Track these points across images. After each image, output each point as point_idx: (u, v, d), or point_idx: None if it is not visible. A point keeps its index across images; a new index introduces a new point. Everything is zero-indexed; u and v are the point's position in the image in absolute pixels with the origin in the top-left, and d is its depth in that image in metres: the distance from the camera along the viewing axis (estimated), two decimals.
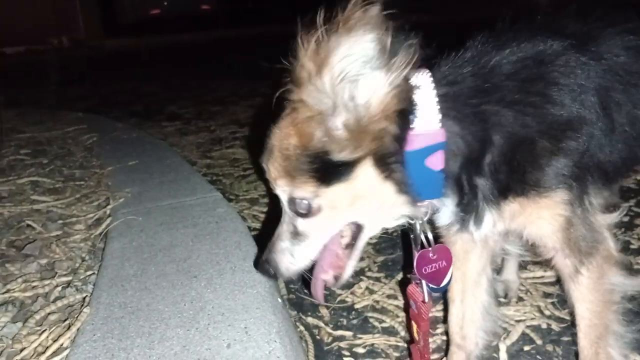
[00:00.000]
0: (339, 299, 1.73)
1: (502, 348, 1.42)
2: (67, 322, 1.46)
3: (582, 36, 1.17)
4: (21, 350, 1.37)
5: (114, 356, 1.20)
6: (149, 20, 14.55)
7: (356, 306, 1.69)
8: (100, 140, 3.37)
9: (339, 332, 1.58)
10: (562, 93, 1.10)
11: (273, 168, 1.12)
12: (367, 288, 1.78)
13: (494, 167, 1.09)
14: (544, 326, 1.53)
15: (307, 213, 1.12)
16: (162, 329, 1.26)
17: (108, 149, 3.14)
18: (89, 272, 1.74)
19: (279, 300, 1.46)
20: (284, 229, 1.19)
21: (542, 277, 1.75)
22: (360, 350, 1.50)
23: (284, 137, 1.09)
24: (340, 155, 1.05)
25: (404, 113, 1.03)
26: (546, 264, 1.67)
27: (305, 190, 1.10)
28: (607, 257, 1.18)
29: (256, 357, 1.13)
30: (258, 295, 1.35)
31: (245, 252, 1.58)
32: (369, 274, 1.86)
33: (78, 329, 1.36)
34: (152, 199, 2.12)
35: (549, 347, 1.46)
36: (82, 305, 1.51)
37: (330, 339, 1.56)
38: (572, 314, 1.47)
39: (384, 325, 1.59)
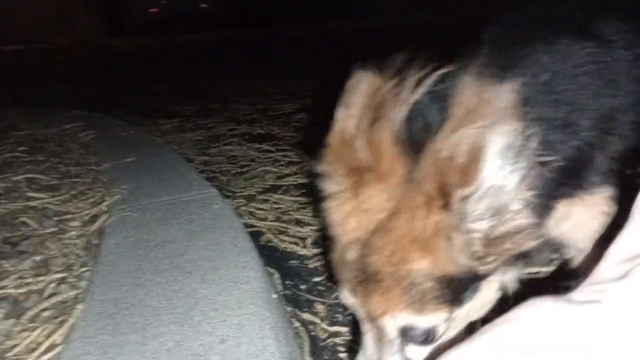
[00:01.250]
0: (334, 295, 1.72)
1: None
2: (60, 318, 1.45)
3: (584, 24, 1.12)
4: (13, 347, 1.36)
5: (107, 352, 1.19)
6: (152, 20, 14.55)
7: None
8: (97, 137, 3.36)
9: (335, 328, 1.57)
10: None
11: (383, 299, 0.90)
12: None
13: None
14: None
15: (429, 341, 0.93)
16: (155, 325, 1.26)
17: (105, 146, 3.13)
18: (83, 269, 1.73)
19: (274, 296, 1.45)
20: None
21: (538, 273, 1.74)
22: (356, 346, 1.49)
23: (405, 260, 0.88)
24: (482, 270, 0.89)
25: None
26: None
27: (436, 318, 0.91)
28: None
29: (250, 352, 1.12)
30: (252, 291, 1.34)
31: (241, 248, 1.57)
32: None
33: (71, 326, 1.35)
34: (148, 195, 2.11)
35: None
36: (76, 302, 1.50)
37: (326, 334, 1.55)
38: None
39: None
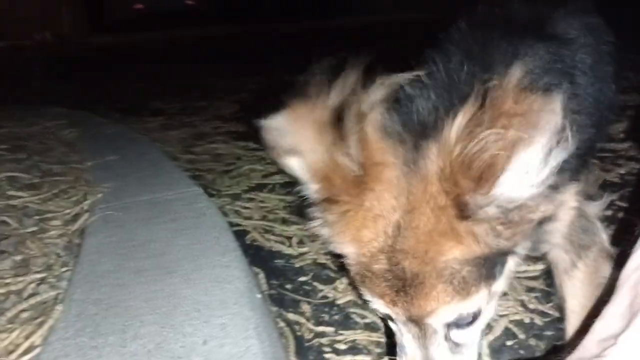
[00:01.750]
0: (320, 294, 1.70)
1: (484, 343, 1.40)
2: (40, 319, 1.42)
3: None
4: None
5: (85, 354, 1.16)
6: (135, 17, 14.42)
7: (338, 302, 1.66)
8: (80, 135, 3.31)
9: (321, 328, 1.55)
10: None
11: (430, 298, 0.89)
12: (349, 283, 1.75)
13: None
14: (527, 320, 1.52)
15: (472, 321, 0.95)
16: (136, 326, 1.23)
17: (88, 144, 3.09)
18: (64, 269, 1.70)
19: (258, 296, 1.43)
20: (440, 351, 0.96)
21: (526, 271, 1.73)
22: (342, 346, 1.47)
23: (436, 255, 0.88)
24: (509, 246, 0.90)
25: None
26: (529, 258, 1.66)
27: (479, 300, 0.92)
28: (602, 250, 1.17)
29: (232, 353, 1.10)
30: (236, 291, 1.32)
31: (224, 247, 1.55)
32: None
33: (50, 327, 1.32)
34: (131, 194, 2.08)
35: (532, 342, 1.44)
36: (56, 302, 1.47)
37: (312, 335, 1.53)
38: (556, 308, 1.46)
39: (365, 320, 1.57)
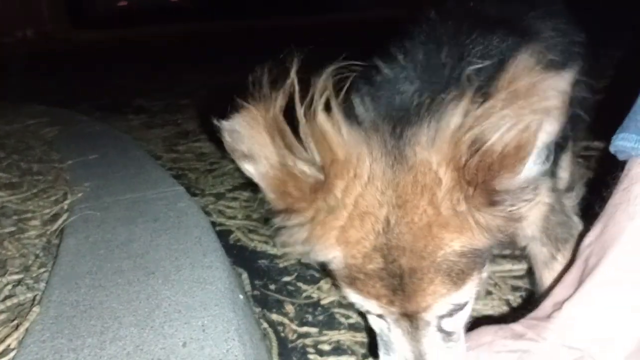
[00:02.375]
0: (304, 294, 1.69)
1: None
2: (16, 321, 1.38)
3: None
4: None
5: (62, 357, 1.13)
6: (118, 13, 14.27)
7: (322, 302, 1.65)
8: (61, 133, 3.26)
9: (304, 329, 1.54)
10: None
11: (428, 293, 0.87)
12: (333, 284, 1.74)
13: None
14: (512, 320, 1.52)
15: (462, 307, 0.93)
16: (115, 328, 1.20)
17: (69, 142, 3.04)
18: (42, 270, 1.66)
19: (241, 296, 1.41)
20: (433, 342, 0.94)
21: (511, 270, 1.73)
22: (326, 347, 1.46)
23: (435, 248, 0.85)
24: (504, 237, 0.89)
25: None
26: (514, 256, 1.66)
27: (471, 289, 0.91)
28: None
29: (213, 355, 1.08)
30: (217, 292, 1.30)
31: (206, 247, 1.53)
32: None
33: (26, 329, 1.28)
34: (111, 193, 2.05)
35: None
36: (33, 304, 1.44)
37: (295, 335, 1.52)
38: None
39: (350, 321, 1.55)
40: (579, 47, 1.25)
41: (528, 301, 1.06)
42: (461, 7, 1.19)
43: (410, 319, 0.92)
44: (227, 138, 0.91)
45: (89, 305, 1.30)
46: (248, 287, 1.73)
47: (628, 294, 0.87)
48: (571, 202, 1.21)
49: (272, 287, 1.74)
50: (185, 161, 2.96)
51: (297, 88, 0.85)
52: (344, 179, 0.87)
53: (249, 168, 0.93)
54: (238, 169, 2.83)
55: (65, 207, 2.06)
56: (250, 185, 2.48)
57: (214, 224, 2.06)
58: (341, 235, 0.89)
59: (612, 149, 0.95)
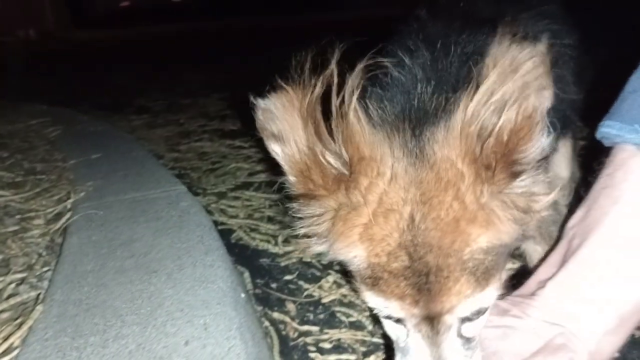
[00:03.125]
0: (305, 293, 1.70)
1: None
2: (19, 320, 1.39)
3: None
4: None
5: (65, 355, 1.14)
6: (119, 12, 14.28)
7: (323, 300, 1.66)
8: (64, 133, 3.27)
9: (305, 327, 1.55)
10: None
11: (450, 295, 0.86)
12: (334, 282, 1.75)
13: None
14: None
15: (483, 312, 0.92)
16: (117, 327, 1.21)
17: (72, 142, 3.04)
18: (45, 268, 1.67)
19: (242, 295, 1.41)
20: (452, 348, 0.92)
21: (510, 269, 1.74)
22: (327, 345, 1.47)
23: (462, 245, 0.84)
24: (527, 232, 0.90)
25: None
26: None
27: (493, 292, 0.90)
28: None
29: (214, 354, 1.09)
30: (219, 290, 1.31)
31: (208, 246, 1.53)
32: (336, 267, 1.82)
33: (30, 328, 1.30)
34: (114, 192, 2.05)
35: None
36: (36, 303, 1.45)
37: (296, 334, 1.53)
38: None
39: (351, 319, 1.56)
40: (571, 50, 1.25)
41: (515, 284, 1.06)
42: (454, 7, 1.19)
43: (432, 322, 0.91)
44: (259, 116, 0.91)
45: (91, 303, 1.31)
46: (250, 286, 1.74)
47: (609, 274, 0.90)
48: (564, 200, 1.22)
49: (274, 285, 1.75)
50: (187, 160, 2.97)
51: (335, 80, 0.86)
52: (368, 177, 0.88)
53: (275, 148, 0.93)
54: (240, 169, 2.85)
55: (69, 206, 2.07)
56: (251, 184, 2.50)
57: (215, 223, 2.07)
58: (364, 233, 0.89)
59: (597, 135, 0.97)
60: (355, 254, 0.91)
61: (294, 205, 0.96)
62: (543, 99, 0.80)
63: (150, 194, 1.98)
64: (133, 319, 1.23)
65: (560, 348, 0.87)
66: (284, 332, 1.54)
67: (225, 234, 2.04)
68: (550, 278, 0.93)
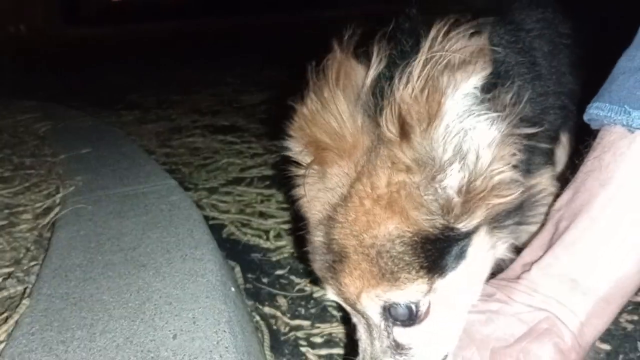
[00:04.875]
0: (297, 288, 1.69)
1: None
2: (5, 314, 1.37)
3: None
4: None
5: (52, 349, 1.12)
6: (110, 10, 14.20)
7: (315, 295, 1.65)
8: (53, 128, 3.24)
9: (297, 322, 1.53)
10: None
11: (354, 278, 0.84)
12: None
13: None
14: None
15: (413, 319, 0.87)
16: (105, 321, 1.19)
17: (61, 137, 3.02)
18: (32, 263, 1.65)
19: (232, 289, 1.40)
20: (376, 348, 0.90)
21: None
22: (318, 339, 1.46)
23: (369, 227, 0.82)
24: (459, 228, 0.83)
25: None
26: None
27: (414, 290, 0.84)
28: None
29: (203, 347, 1.07)
30: (209, 284, 1.29)
31: (198, 240, 1.52)
32: None
33: (16, 322, 1.27)
34: (103, 187, 2.03)
35: None
36: (23, 297, 1.43)
37: (287, 328, 1.52)
38: None
39: (342, 314, 1.55)
40: (565, 39, 1.24)
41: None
42: None
43: (358, 313, 0.91)
44: (329, 62, 0.92)
45: (79, 297, 1.29)
46: (241, 281, 1.72)
47: (597, 257, 0.89)
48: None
49: (265, 280, 1.73)
50: (178, 156, 2.95)
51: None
52: (334, 158, 0.91)
53: (310, 99, 0.94)
54: (232, 164, 2.82)
55: (57, 200, 2.05)
56: (243, 179, 2.49)
57: (207, 217, 2.05)
58: (308, 204, 0.94)
59: (585, 117, 0.95)
60: (306, 220, 0.96)
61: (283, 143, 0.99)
62: (464, 73, 0.76)
63: (139, 189, 1.96)
64: (121, 312, 1.22)
65: (545, 333, 0.86)
66: (275, 327, 1.52)
67: (216, 229, 2.02)
68: (536, 261, 0.92)
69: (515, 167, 0.86)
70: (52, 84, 5.73)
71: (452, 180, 0.82)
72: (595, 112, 0.92)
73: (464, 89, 0.77)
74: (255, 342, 1.37)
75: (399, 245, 0.82)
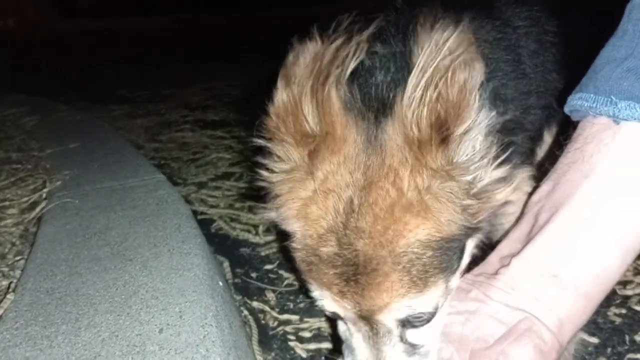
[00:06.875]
0: (286, 282, 1.68)
1: None
2: None
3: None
4: None
5: (36, 344, 1.11)
6: (102, 3, 14.05)
7: (303, 290, 1.64)
8: (41, 122, 3.21)
9: (285, 316, 1.53)
10: None
11: (379, 292, 0.81)
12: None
13: None
14: None
15: (427, 320, 0.87)
16: (90, 315, 1.18)
17: (49, 131, 2.99)
18: (18, 257, 1.63)
19: (220, 283, 1.39)
20: (394, 353, 0.88)
21: None
22: (307, 334, 1.45)
23: (400, 235, 0.80)
24: (474, 227, 0.86)
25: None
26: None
27: (436, 295, 0.85)
28: None
29: (189, 342, 1.06)
30: (195, 278, 1.28)
31: (185, 234, 1.50)
32: None
33: (0, 317, 1.26)
34: (91, 181, 2.01)
35: None
36: (7, 292, 1.41)
37: (276, 323, 1.51)
38: None
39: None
40: (552, 36, 1.23)
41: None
42: None
43: (370, 322, 0.88)
44: (290, 57, 0.89)
45: (64, 292, 1.28)
46: (229, 275, 1.71)
47: (579, 250, 0.86)
48: None
49: (254, 275, 1.73)
50: (167, 151, 2.93)
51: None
52: (326, 153, 0.86)
53: (280, 91, 0.89)
54: (221, 159, 2.81)
55: (44, 195, 2.03)
56: (232, 174, 2.47)
57: (195, 212, 2.04)
58: (302, 209, 0.87)
59: (567, 109, 0.93)
60: (293, 229, 0.89)
61: (258, 139, 0.94)
62: (474, 71, 0.77)
63: (127, 183, 1.94)
64: (106, 307, 1.20)
65: (525, 334, 0.84)
66: (263, 321, 1.52)
67: (205, 223, 2.01)
68: (515, 255, 0.89)
69: (506, 163, 0.86)
70: (42, 77, 5.68)
71: (475, 181, 0.83)
72: (578, 102, 0.89)
73: (477, 80, 0.78)
74: (243, 337, 1.36)
75: (430, 250, 0.81)
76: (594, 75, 0.88)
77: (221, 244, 1.91)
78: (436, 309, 0.88)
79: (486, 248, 1.00)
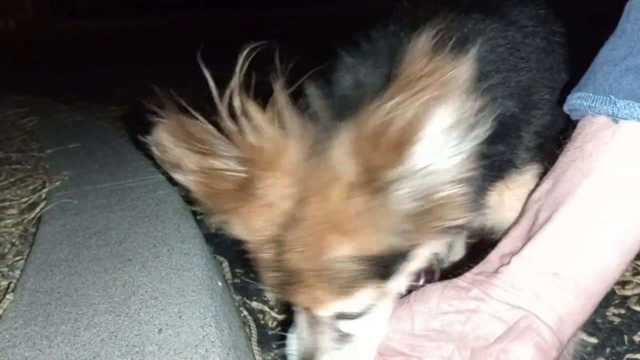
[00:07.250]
0: None
1: None
2: None
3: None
4: None
5: (35, 344, 1.11)
6: (101, 3, 14.06)
7: None
8: (41, 123, 3.21)
9: (285, 317, 1.53)
10: None
11: (308, 295, 0.85)
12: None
13: None
14: None
15: (360, 315, 0.90)
16: (89, 315, 1.18)
17: (49, 132, 2.99)
18: (17, 258, 1.64)
19: (219, 283, 1.39)
20: (325, 338, 0.92)
21: None
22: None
23: (324, 251, 0.80)
24: (409, 246, 0.84)
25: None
26: None
27: (365, 299, 0.87)
28: None
29: (188, 342, 1.06)
30: (195, 278, 1.28)
31: (184, 234, 1.51)
32: None
33: None
34: (90, 181, 2.01)
35: None
36: (6, 292, 1.41)
37: (275, 323, 1.51)
38: None
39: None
40: (560, 37, 1.23)
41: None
42: None
43: (306, 311, 0.92)
44: (155, 151, 0.90)
45: (63, 292, 1.28)
46: (229, 275, 1.71)
47: (579, 248, 0.86)
48: None
49: (253, 275, 1.72)
50: None
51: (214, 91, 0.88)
52: (265, 170, 0.85)
53: (179, 177, 0.91)
54: None
55: (43, 195, 2.03)
56: None
57: (196, 212, 2.04)
58: (246, 219, 0.87)
59: (566, 108, 0.93)
60: (240, 234, 0.91)
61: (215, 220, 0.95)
62: (439, 119, 0.71)
63: (127, 183, 1.95)
64: (106, 307, 1.20)
65: (525, 332, 0.84)
66: (262, 322, 1.52)
67: (205, 223, 2.00)
68: (515, 253, 0.89)
69: (469, 188, 0.82)
70: (42, 78, 5.68)
71: (406, 211, 0.80)
72: (577, 102, 0.89)
73: (443, 131, 0.72)
74: (243, 337, 1.37)
75: (353, 264, 0.82)
76: (593, 75, 0.88)
77: (221, 244, 1.91)
78: (368, 308, 0.90)
79: (486, 246, 1.00)
